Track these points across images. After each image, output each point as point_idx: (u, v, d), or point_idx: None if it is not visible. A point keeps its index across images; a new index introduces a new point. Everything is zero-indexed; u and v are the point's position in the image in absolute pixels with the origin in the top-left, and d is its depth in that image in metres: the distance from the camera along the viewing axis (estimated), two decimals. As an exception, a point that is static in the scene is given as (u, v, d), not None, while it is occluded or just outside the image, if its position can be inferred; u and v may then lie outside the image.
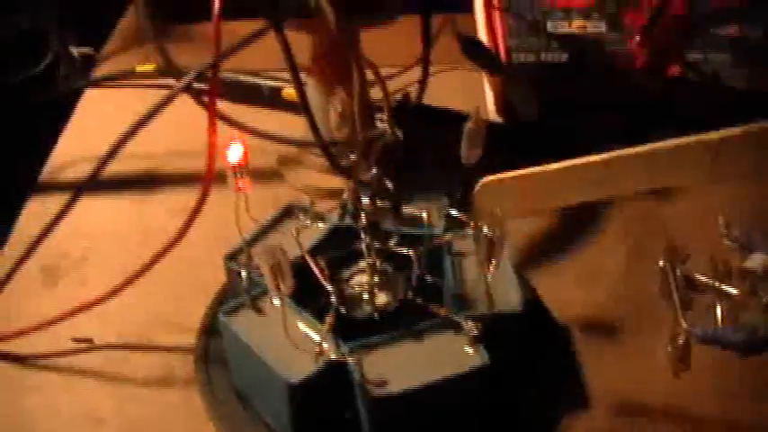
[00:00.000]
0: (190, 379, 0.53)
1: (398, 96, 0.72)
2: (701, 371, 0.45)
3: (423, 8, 0.63)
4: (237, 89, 0.80)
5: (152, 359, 0.56)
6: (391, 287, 0.50)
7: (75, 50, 0.89)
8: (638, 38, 0.74)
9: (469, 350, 0.45)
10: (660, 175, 0.49)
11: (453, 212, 0.54)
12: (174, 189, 0.71)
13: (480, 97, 0.78)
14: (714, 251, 0.45)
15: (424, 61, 0.65)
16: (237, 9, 0.54)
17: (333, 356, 0.45)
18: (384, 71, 0.58)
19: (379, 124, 0.67)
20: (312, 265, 0.50)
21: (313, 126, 0.59)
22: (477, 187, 0.48)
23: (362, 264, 0.51)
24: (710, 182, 0.48)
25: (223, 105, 0.56)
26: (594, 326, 0.57)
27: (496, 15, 0.76)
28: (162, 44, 0.57)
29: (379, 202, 0.50)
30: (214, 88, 0.53)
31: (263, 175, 0.69)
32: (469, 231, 0.52)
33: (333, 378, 0.45)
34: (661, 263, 0.46)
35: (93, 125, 0.79)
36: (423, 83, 0.67)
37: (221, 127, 0.55)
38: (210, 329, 0.55)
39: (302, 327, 0.47)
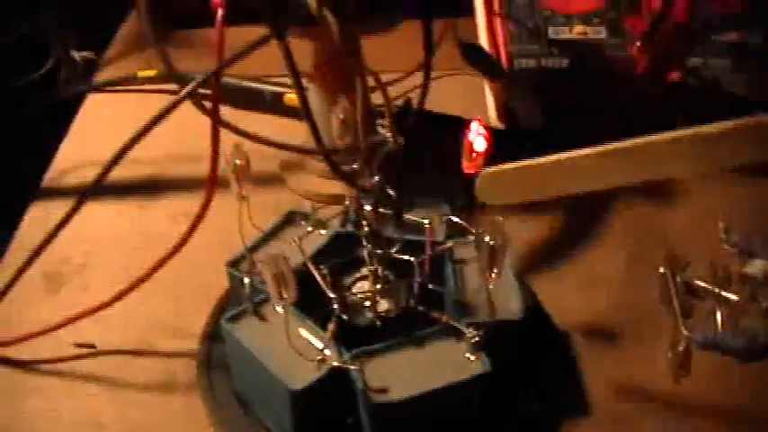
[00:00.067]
0: (191, 384, 0.53)
1: (400, 102, 0.73)
2: (701, 377, 0.45)
3: (424, 14, 0.63)
4: (239, 94, 0.80)
5: (154, 364, 0.56)
6: (393, 294, 0.50)
7: (76, 55, 0.89)
8: (638, 44, 0.74)
9: (471, 357, 0.46)
10: (656, 167, 0.50)
11: (455, 219, 0.54)
12: (175, 194, 0.71)
13: (481, 103, 0.78)
14: (714, 257, 0.46)
15: (426, 67, 0.65)
16: (239, 14, 0.54)
17: (335, 363, 0.45)
18: (385, 77, 0.58)
19: (380, 130, 0.68)
20: (314, 272, 0.50)
21: (315, 133, 0.59)
22: (479, 178, 0.49)
23: (364, 270, 0.51)
24: (706, 174, 0.48)
25: (224, 111, 0.56)
26: (595, 332, 0.57)
27: (497, 21, 0.77)
28: (163, 49, 0.57)
29: (381, 209, 0.50)
30: (216, 97, 0.54)
31: (265, 181, 0.70)
32: (471, 238, 0.52)
33: (335, 385, 0.45)
34: (661, 269, 0.46)
35: (95, 130, 0.80)
36: (424, 88, 0.67)
37: (223, 133, 0.56)
38: (213, 335, 0.55)
39: (304, 333, 0.47)
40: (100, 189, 0.53)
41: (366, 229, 0.50)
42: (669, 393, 0.52)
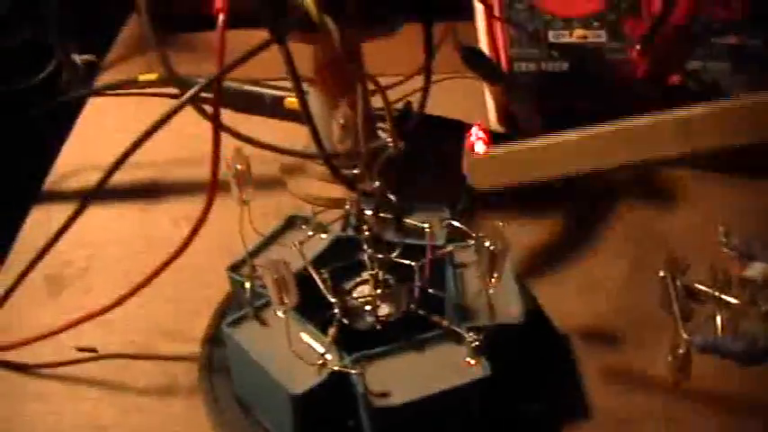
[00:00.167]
0: (193, 388, 0.54)
1: (400, 105, 0.73)
2: (701, 381, 0.45)
3: (424, 17, 0.63)
4: (239, 98, 0.80)
5: (155, 368, 0.56)
6: (393, 298, 0.50)
7: (77, 58, 0.89)
8: (638, 47, 0.74)
9: (471, 361, 0.46)
10: (643, 149, 0.51)
11: (455, 223, 0.54)
12: (176, 198, 0.71)
13: (482, 106, 0.78)
14: (714, 260, 0.46)
15: (426, 70, 0.66)
16: (239, 18, 0.54)
17: (335, 367, 0.45)
18: (386, 80, 0.58)
19: (380, 134, 0.68)
20: (315, 276, 0.50)
21: (315, 136, 0.59)
22: (470, 163, 0.49)
23: (365, 275, 0.51)
24: (687, 155, 0.49)
25: (225, 114, 0.56)
26: (595, 335, 0.57)
27: (497, 25, 0.77)
28: (164, 53, 0.57)
29: (381, 214, 0.51)
30: (217, 102, 0.54)
31: (265, 185, 0.70)
32: (471, 242, 0.52)
33: (335, 389, 0.45)
34: (661, 273, 0.46)
35: (97, 134, 0.80)
36: (425, 92, 0.67)
37: (223, 137, 0.56)
38: (214, 339, 0.55)
39: (305, 338, 0.47)
40: (102, 192, 0.53)
41: (367, 233, 0.50)
42: (669, 397, 0.52)
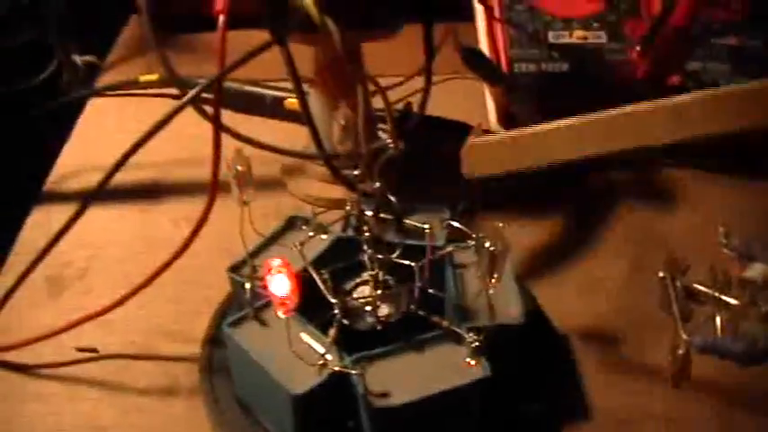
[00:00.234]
0: (193, 388, 0.54)
1: (400, 106, 0.73)
2: (701, 381, 0.45)
3: (425, 18, 0.63)
4: (240, 99, 0.80)
5: (155, 368, 0.56)
6: (394, 299, 0.50)
7: (78, 58, 0.90)
8: (638, 48, 0.74)
9: (471, 362, 0.46)
10: (634, 136, 0.51)
11: (455, 224, 0.54)
12: (177, 198, 0.71)
13: (482, 107, 0.78)
14: (714, 261, 0.46)
15: (427, 71, 0.66)
16: (240, 19, 0.54)
17: (336, 368, 0.45)
18: (386, 81, 0.58)
19: (381, 134, 0.68)
20: (315, 277, 0.50)
21: (316, 137, 0.59)
22: (465, 150, 0.50)
23: (365, 275, 0.51)
24: (683, 141, 0.50)
25: (225, 115, 0.56)
26: (595, 336, 0.57)
27: (498, 26, 0.77)
28: (165, 53, 0.57)
29: (382, 214, 0.51)
30: (218, 103, 0.54)
31: (266, 186, 0.70)
32: (471, 243, 0.52)
33: (336, 389, 0.45)
34: (661, 273, 0.46)
35: (97, 135, 0.80)
36: (425, 92, 0.67)
37: (224, 137, 0.56)
38: (214, 339, 0.55)
39: (305, 338, 0.47)
40: (102, 193, 0.53)
41: (367, 233, 0.50)
42: (669, 397, 0.52)
